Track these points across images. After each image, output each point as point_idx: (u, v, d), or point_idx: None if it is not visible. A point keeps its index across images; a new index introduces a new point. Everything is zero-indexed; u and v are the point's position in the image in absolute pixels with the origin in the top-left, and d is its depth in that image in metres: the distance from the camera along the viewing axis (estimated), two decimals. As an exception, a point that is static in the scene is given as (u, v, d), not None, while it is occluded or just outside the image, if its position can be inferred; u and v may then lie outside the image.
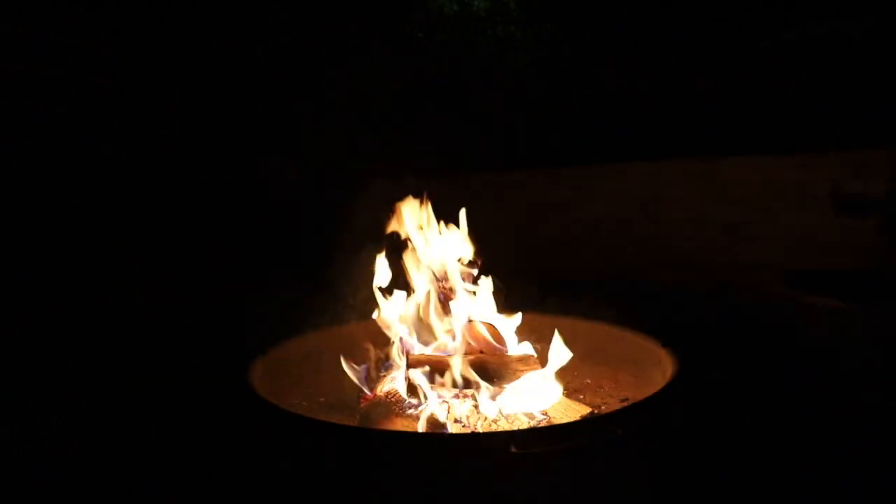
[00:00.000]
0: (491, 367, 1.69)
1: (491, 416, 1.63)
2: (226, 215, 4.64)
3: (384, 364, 1.92)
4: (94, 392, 2.35)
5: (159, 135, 4.49)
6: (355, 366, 1.90)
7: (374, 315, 1.98)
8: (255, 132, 4.88)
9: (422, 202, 2.03)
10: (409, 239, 2.01)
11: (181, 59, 4.58)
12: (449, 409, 1.66)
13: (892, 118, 3.33)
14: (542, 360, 1.77)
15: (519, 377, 1.70)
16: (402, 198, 2.04)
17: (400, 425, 1.64)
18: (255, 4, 4.97)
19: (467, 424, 1.62)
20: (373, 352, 1.95)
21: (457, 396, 1.70)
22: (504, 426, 1.61)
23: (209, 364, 2.33)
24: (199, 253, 4.28)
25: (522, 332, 1.93)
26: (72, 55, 3.86)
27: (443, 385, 1.70)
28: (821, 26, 3.80)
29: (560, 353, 1.79)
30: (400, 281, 1.99)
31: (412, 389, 1.71)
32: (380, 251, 2.01)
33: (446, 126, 4.99)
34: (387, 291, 1.97)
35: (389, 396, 1.76)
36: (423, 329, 1.89)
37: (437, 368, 1.71)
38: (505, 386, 1.69)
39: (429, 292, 1.90)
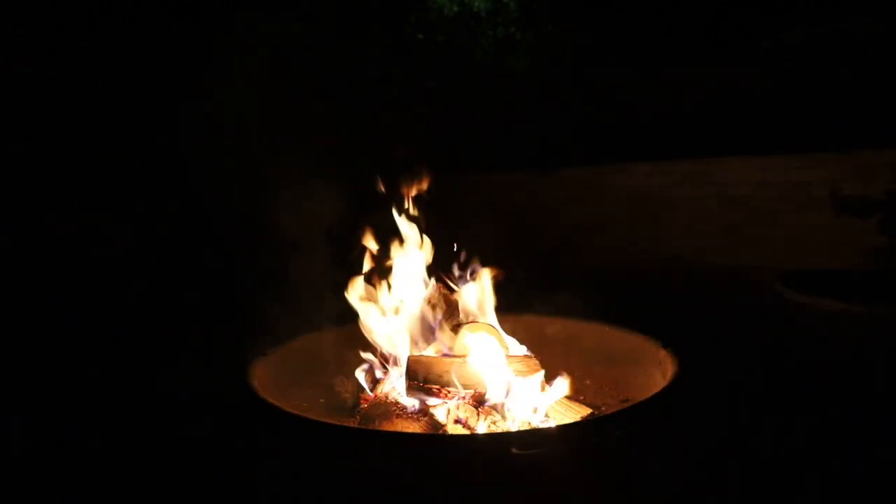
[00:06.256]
0: (491, 368, 1.69)
1: (492, 417, 1.63)
2: (225, 215, 4.64)
3: (384, 365, 1.91)
4: (95, 392, 2.36)
5: (158, 134, 4.48)
6: (367, 361, 1.90)
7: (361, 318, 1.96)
8: (255, 132, 4.88)
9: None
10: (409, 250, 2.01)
11: (182, 59, 4.58)
12: (449, 410, 1.66)
13: (892, 119, 3.33)
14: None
15: (520, 378, 1.70)
16: (399, 202, 2.04)
17: (400, 426, 1.64)
18: (254, 6, 4.97)
19: (467, 425, 1.62)
20: (372, 354, 1.95)
21: (456, 397, 1.69)
22: (505, 427, 1.61)
23: (209, 364, 2.33)
24: (199, 253, 4.28)
25: (522, 334, 1.92)
26: (72, 55, 3.85)
27: (442, 386, 1.70)
28: (821, 26, 3.80)
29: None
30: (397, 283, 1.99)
31: (412, 390, 1.71)
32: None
33: (445, 126, 4.98)
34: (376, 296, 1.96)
35: (389, 397, 1.76)
36: (422, 330, 1.89)
37: (437, 370, 1.70)
38: (506, 387, 1.69)
39: (429, 294, 1.89)
